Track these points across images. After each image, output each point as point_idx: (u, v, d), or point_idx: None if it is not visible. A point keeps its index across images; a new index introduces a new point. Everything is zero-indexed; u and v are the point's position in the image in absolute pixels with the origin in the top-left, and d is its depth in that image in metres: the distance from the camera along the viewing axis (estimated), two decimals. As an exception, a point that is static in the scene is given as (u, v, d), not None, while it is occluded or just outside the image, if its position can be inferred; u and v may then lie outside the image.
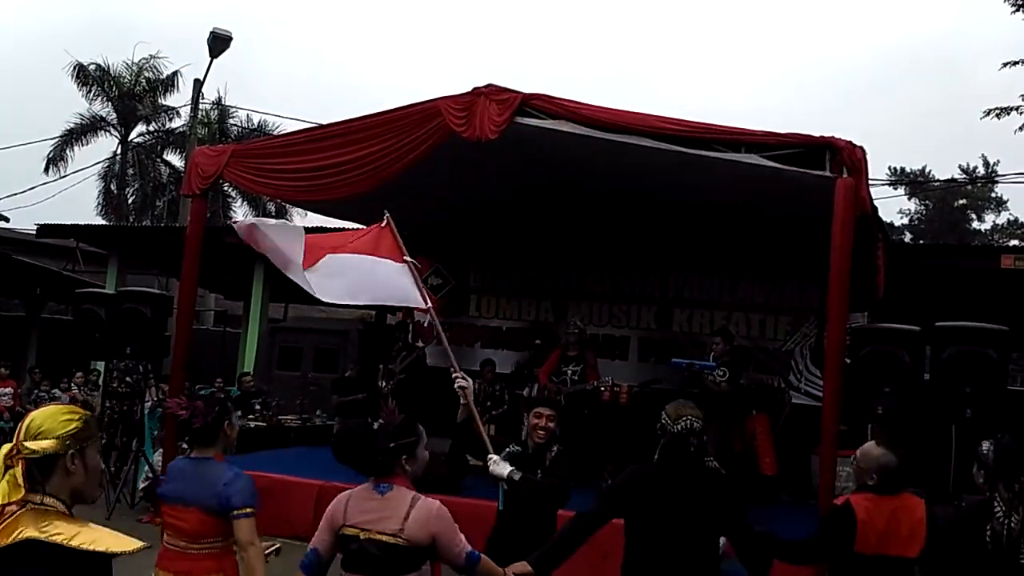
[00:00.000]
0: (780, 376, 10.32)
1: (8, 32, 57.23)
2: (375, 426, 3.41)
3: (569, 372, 9.52)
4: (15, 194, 29.60)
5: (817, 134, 6.53)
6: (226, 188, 24.29)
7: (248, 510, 3.52)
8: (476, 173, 9.29)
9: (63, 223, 16.00)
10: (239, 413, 12.14)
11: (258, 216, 27.00)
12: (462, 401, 4.78)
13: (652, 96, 72.60)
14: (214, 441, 3.73)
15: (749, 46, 69.24)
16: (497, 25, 73.30)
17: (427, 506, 3.19)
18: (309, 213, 14.64)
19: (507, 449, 4.57)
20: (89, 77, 25.80)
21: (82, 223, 17.21)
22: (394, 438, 3.31)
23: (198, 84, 20.05)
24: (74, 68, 25.60)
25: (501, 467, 4.40)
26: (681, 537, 3.55)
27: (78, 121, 25.92)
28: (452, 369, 4.89)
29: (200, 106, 21.24)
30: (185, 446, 9.18)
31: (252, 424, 12.05)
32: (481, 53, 70.31)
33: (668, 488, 3.64)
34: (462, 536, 3.27)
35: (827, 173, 6.45)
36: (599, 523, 3.89)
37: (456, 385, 4.76)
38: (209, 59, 18.92)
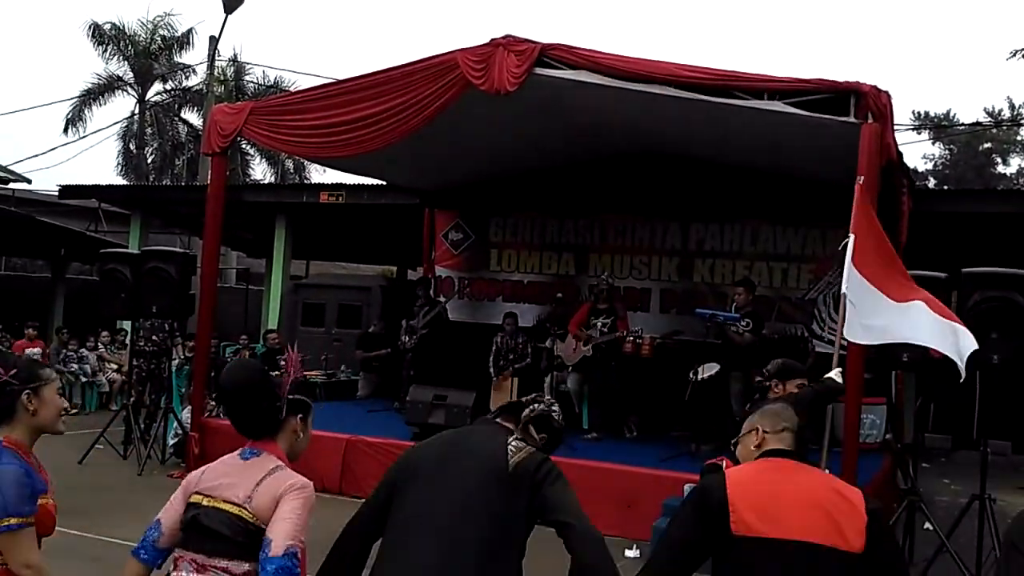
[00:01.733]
0: (803, 325, 10.29)
1: (22, -8, 57.00)
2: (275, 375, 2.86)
3: (599, 324, 9.54)
4: (36, 155, 29.83)
5: (842, 79, 6.43)
6: (244, 146, 24.28)
7: (13, 521, 2.53)
8: (496, 128, 9.23)
9: (85, 184, 16.09)
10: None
11: (276, 174, 27.04)
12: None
13: (674, 50, 71.49)
14: (9, 417, 2.69)
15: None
16: (512, -26, 72.17)
17: (286, 475, 2.57)
18: (328, 169, 14.61)
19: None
20: (105, 36, 25.74)
21: (103, 183, 17.31)
22: (293, 393, 2.75)
23: (214, 41, 19.95)
24: (90, 27, 25.56)
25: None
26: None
27: (95, 81, 25.98)
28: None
29: (216, 63, 21.17)
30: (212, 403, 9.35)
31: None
32: (502, 6, 69.33)
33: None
34: (299, 533, 2.46)
35: (852, 119, 6.36)
36: (373, 519, 2.78)
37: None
38: (224, 15, 18.80)
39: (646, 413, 10.02)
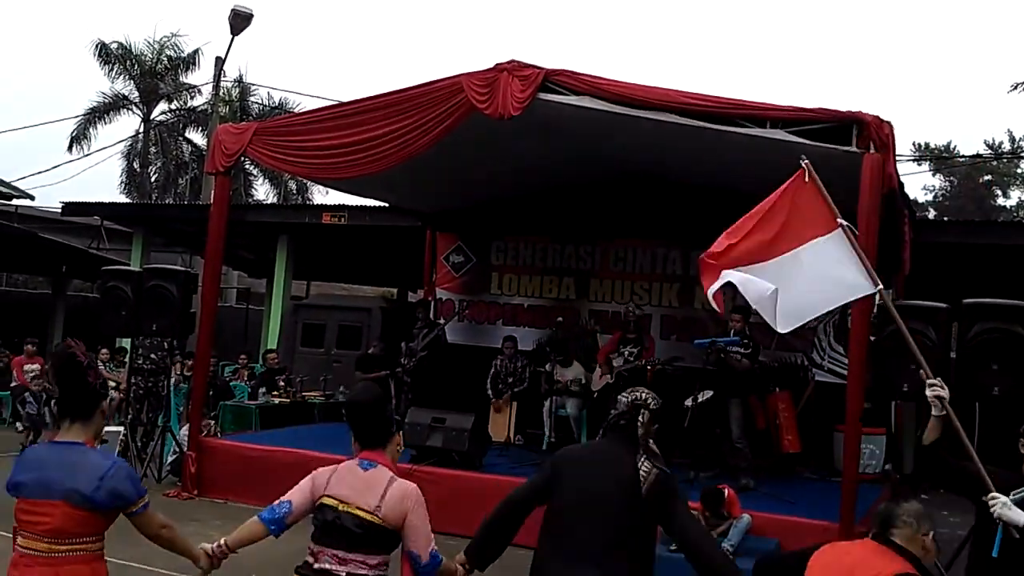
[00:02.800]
0: (803, 353, 10.27)
1: (30, 11, 57.51)
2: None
3: (626, 352, 9.58)
4: (40, 172, 29.93)
5: (844, 109, 6.46)
6: (247, 166, 24.38)
7: (146, 499, 3.08)
8: (498, 151, 9.27)
9: (88, 201, 16.14)
10: (263, 389, 12.30)
11: (279, 194, 27.13)
12: (935, 412, 3.82)
13: (676, 77, 71.99)
14: (88, 417, 3.06)
15: (771, 26, 68.44)
16: (524, 3, 72.80)
17: (404, 485, 3.18)
18: (330, 190, 14.65)
19: (1018, 492, 3.68)
20: (111, 55, 25.89)
21: (106, 201, 17.36)
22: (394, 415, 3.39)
23: (220, 62, 20.09)
24: (96, 46, 25.72)
25: (1015, 513, 3.56)
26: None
27: (100, 99, 26.10)
28: (923, 373, 3.85)
29: (221, 84, 21.29)
30: (211, 420, 9.33)
31: (276, 400, 12.16)
32: (506, 31, 69.88)
33: (596, 466, 3.39)
34: (431, 535, 3.19)
35: (854, 149, 6.39)
36: (527, 506, 3.52)
37: (931, 394, 3.76)
38: (230, 36, 18.94)
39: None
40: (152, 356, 11.06)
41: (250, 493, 7.72)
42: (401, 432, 3.39)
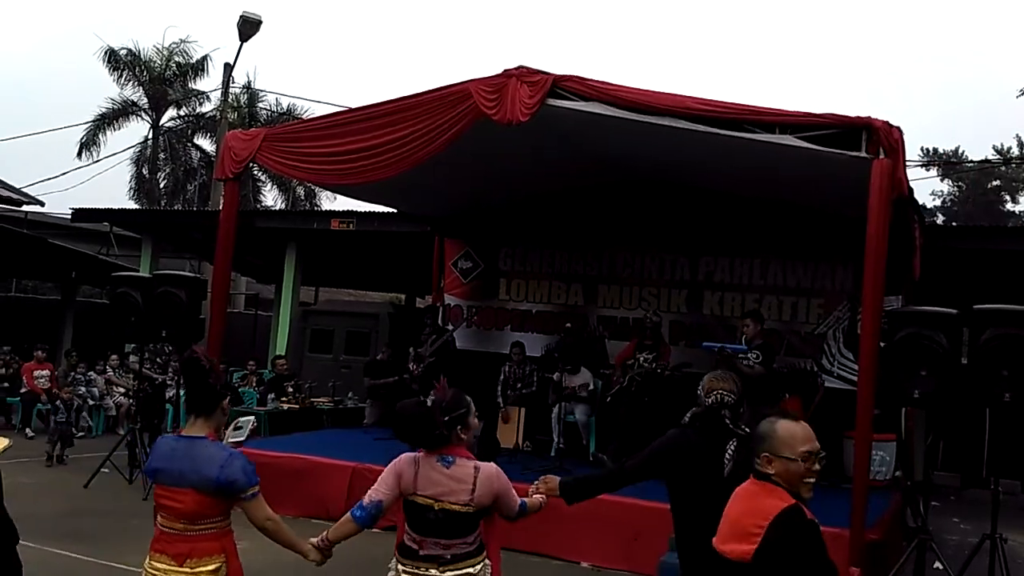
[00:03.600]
0: (812, 359, 10.24)
1: (38, 17, 57.85)
2: (428, 403, 3.62)
3: (641, 359, 9.58)
4: (49, 178, 30.05)
5: (853, 114, 6.44)
6: (256, 172, 24.45)
7: (256, 488, 3.45)
8: (506, 156, 9.28)
9: (97, 207, 16.20)
10: (272, 395, 12.33)
11: (287, 201, 27.18)
12: None
13: (686, 82, 72.01)
14: (210, 413, 3.50)
15: (777, 30, 68.43)
16: (531, 7, 72.93)
17: (487, 471, 3.53)
18: (339, 196, 14.68)
19: None
20: (120, 62, 26.01)
21: (115, 207, 17.42)
22: (448, 411, 3.53)
23: (228, 68, 20.15)
24: (105, 53, 25.84)
25: None
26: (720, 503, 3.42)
27: (110, 106, 26.22)
28: None
29: (230, 90, 21.36)
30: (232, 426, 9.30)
31: (285, 406, 12.18)
32: (514, 37, 70.00)
33: (706, 455, 3.71)
34: (515, 495, 3.65)
35: (863, 154, 6.36)
36: (635, 480, 4.03)
37: None
38: (239, 43, 19.00)
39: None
40: (158, 360, 11.12)
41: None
42: (460, 426, 3.60)
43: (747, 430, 3.60)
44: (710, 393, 3.81)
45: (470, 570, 3.50)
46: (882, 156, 6.31)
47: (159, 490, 3.46)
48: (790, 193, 9.07)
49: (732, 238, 10.70)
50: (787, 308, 10.53)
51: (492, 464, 3.58)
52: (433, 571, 3.47)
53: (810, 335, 10.37)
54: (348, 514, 3.60)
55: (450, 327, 11.62)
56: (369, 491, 3.60)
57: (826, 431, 9.84)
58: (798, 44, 69.43)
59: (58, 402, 10.69)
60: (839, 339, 10.16)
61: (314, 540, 3.58)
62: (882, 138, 6.28)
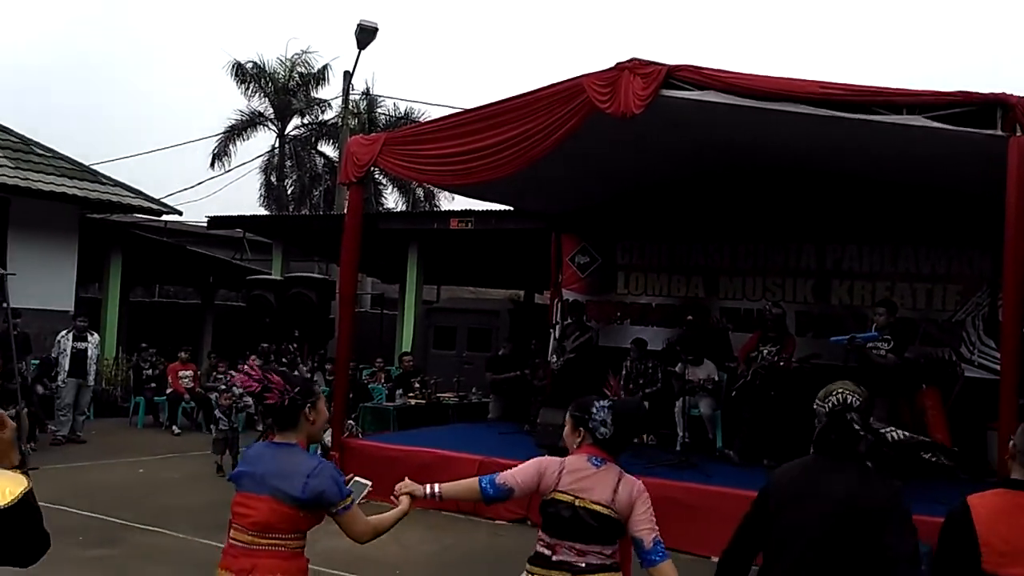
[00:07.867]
0: (951, 348, 9.78)
1: (168, 34, 60.94)
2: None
3: (765, 351, 9.37)
4: (186, 188, 31.64)
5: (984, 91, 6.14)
6: (377, 175, 25.09)
7: (349, 501, 3.15)
8: (621, 151, 9.24)
9: (231, 215, 16.99)
10: (400, 391, 12.64)
11: (407, 202, 27.79)
12: None
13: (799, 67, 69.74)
14: (294, 425, 3.20)
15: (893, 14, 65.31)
16: (645, 3, 72.10)
17: (630, 480, 3.39)
18: (457, 196, 14.92)
19: None
20: (247, 75, 27.13)
21: (247, 214, 18.25)
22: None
23: (348, 76, 20.78)
24: (233, 67, 27.02)
25: None
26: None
27: (238, 117, 27.41)
28: None
29: (350, 97, 22.00)
30: (351, 422, 9.62)
31: (412, 402, 12.50)
32: (628, 33, 69.37)
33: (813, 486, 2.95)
34: (656, 525, 3.30)
35: (999, 132, 6.06)
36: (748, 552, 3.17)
37: None
38: (357, 50, 19.56)
39: (784, 440, 9.69)
40: (283, 360, 11.52)
41: (390, 491, 7.93)
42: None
43: (879, 433, 3.31)
44: (828, 396, 3.01)
45: None
46: (1019, 134, 5.99)
47: (237, 497, 3.18)
48: (920, 176, 8.70)
49: (860, 224, 10.31)
50: (921, 295, 10.09)
51: (639, 480, 3.43)
52: None
53: (947, 323, 9.91)
54: (476, 480, 3.54)
55: (593, 324, 11.55)
56: (504, 473, 3.48)
57: (968, 423, 9.46)
58: (914, 28, 66.20)
59: (216, 412, 10.48)
60: (979, 326, 9.68)
61: (420, 491, 3.48)
62: (1019, 115, 5.97)
